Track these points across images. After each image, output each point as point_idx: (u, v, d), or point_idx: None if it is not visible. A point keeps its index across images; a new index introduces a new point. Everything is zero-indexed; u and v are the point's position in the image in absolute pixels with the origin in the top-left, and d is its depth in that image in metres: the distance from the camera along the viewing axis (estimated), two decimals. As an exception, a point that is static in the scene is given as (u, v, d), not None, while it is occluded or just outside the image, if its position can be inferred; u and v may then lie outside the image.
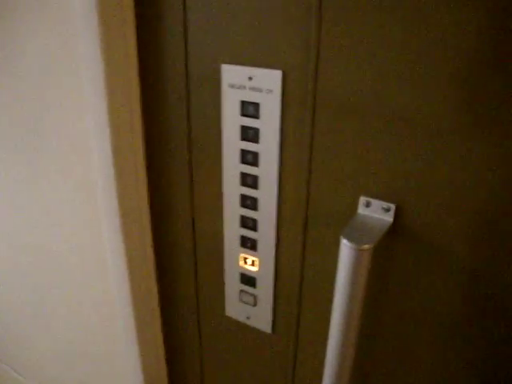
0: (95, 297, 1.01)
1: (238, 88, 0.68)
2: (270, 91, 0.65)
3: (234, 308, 0.86)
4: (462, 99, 0.53)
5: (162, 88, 0.75)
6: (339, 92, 0.61)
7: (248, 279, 0.81)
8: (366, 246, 0.58)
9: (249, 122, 0.69)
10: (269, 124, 0.67)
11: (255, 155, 0.71)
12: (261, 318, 0.83)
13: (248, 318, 0.85)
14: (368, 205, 0.65)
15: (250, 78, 0.66)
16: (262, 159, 0.70)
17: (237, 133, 0.71)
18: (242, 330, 0.88)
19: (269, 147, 0.69)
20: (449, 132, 0.56)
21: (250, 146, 0.70)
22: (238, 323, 0.87)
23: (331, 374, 0.68)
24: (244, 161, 0.72)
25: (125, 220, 0.82)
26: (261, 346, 0.87)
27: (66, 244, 1.00)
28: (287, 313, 0.80)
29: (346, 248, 0.59)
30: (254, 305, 0.82)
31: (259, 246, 0.77)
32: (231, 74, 0.67)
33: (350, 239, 0.59)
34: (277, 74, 0.64)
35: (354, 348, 0.67)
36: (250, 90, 0.67)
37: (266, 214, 0.73)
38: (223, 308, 0.88)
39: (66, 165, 0.89)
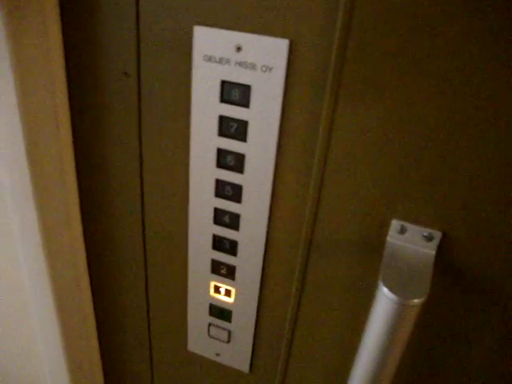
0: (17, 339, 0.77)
1: (219, 62, 0.46)
2: (269, 69, 0.45)
3: (200, 343, 0.67)
4: None
5: (99, 62, 0.52)
6: (378, 69, 0.41)
7: (220, 311, 0.62)
8: (418, 301, 0.41)
9: (232, 111, 0.48)
10: (263, 115, 0.47)
11: (239, 158, 0.50)
12: (236, 355, 0.65)
13: (218, 354, 0.67)
14: (403, 231, 0.47)
15: (239, 49, 0.45)
16: (248, 163, 0.50)
17: (213, 126, 0.50)
18: (209, 368, 0.69)
19: (260, 148, 0.49)
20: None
21: (231, 145, 0.50)
22: (203, 360, 0.68)
23: None
24: (222, 164, 0.51)
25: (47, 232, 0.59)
26: (234, 387, 0.69)
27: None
28: (272, 353, 0.62)
29: (388, 302, 0.41)
30: (228, 341, 0.64)
31: (238, 273, 0.57)
32: (209, 42, 0.46)
33: (393, 289, 0.41)
34: (281, 45, 0.43)
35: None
36: (237, 66, 0.46)
37: (251, 235, 0.54)
38: (185, 342, 0.68)
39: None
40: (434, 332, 0.52)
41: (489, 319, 0.49)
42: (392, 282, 0.42)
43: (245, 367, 0.66)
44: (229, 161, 0.51)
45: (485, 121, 0.40)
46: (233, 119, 0.48)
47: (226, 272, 0.58)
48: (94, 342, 0.76)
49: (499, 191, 0.42)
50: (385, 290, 0.41)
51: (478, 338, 0.50)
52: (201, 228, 0.56)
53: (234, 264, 0.57)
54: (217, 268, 0.58)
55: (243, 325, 0.62)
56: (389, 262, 0.45)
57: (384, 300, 0.42)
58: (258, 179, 0.50)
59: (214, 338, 0.64)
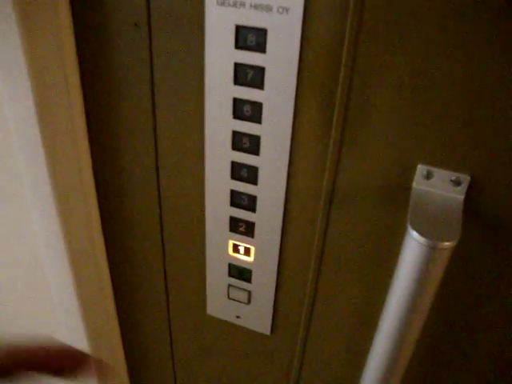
0: (34, 305, 0.77)
1: (233, 6, 0.44)
2: (286, 10, 0.42)
3: (220, 306, 0.66)
4: None
5: (107, 16, 0.50)
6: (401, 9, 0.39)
7: (240, 272, 0.61)
8: (449, 244, 0.39)
9: (248, 58, 0.46)
10: (280, 60, 0.45)
11: (256, 106, 0.48)
12: (256, 317, 0.64)
13: (238, 317, 0.66)
14: (429, 176, 0.45)
15: (253, -11, 0.43)
16: (266, 112, 0.48)
17: (229, 74, 0.48)
18: (230, 331, 0.68)
19: (279, 94, 0.47)
20: None
21: (247, 94, 0.48)
22: (223, 324, 0.67)
23: None
24: (238, 115, 0.50)
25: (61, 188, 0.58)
26: (256, 349, 0.68)
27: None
28: (293, 311, 0.61)
29: (418, 246, 0.40)
30: (248, 302, 0.63)
31: (257, 230, 0.56)
32: (222, -17, 0.44)
33: (424, 232, 0.40)
34: (299, -19, 0.41)
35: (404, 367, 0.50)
36: (252, 9, 0.44)
37: (270, 189, 0.52)
38: (204, 306, 0.67)
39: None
40: (463, 280, 0.50)
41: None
42: (421, 225, 0.41)
43: (266, 329, 0.65)
44: (245, 110, 0.49)
45: (518, 50, 0.37)
46: (249, 66, 0.46)
47: (245, 229, 0.57)
48: (112, 307, 0.75)
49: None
50: (414, 234, 0.40)
51: (508, 287, 0.49)
52: (218, 184, 0.55)
53: (253, 220, 0.55)
54: (235, 225, 0.57)
55: (263, 285, 0.60)
56: (416, 207, 0.44)
57: (414, 245, 0.40)
58: (276, 128, 0.48)
59: (233, 299, 0.63)
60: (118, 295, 0.74)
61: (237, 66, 0.47)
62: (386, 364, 0.49)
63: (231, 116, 0.50)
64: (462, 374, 0.58)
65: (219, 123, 0.50)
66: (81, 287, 0.66)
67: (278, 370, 0.69)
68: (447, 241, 0.39)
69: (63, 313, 0.69)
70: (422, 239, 0.39)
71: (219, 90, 0.49)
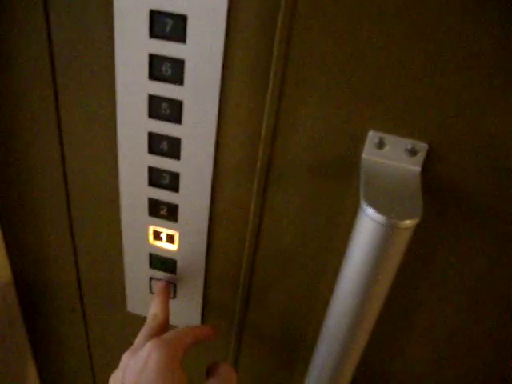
0: None
1: None
2: None
3: (141, 302, 0.57)
4: None
5: None
6: None
7: (162, 262, 0.52)
8: (410, 222, 0.33)
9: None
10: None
11: (178, 64, 0.40)
12: (184, 313, 0.56)
13: (163, 313, 0.57)
14: (381, 145, 0.39)
15: None
16: (189, 70, 0.39)
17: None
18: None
19: (204, 52, 0.38)
20: None
21: (167, 50, 0.39)
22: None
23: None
24: (156, 76, 0.41)
25: None
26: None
27: None
28: (225, 306, 0.54)
29: (374, 225, 0.33)
30: (174, 297, 0.54)
31: (181, 213, 0.48)
32: None
33: (380, 209, 0.33)
34: None
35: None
36: None
37: (195, 164, 0.44)
38: (123, 302, 0.58)
39: None
40: (422, 257, 0.44)
41: (480, 241, 0.42)
42: (377, 202, 0.34)
43: (196, 323, 0.57)
44: (165, 70, 0.40)
45: None
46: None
47: (167, 213, 0.48)
48: (17, 310, 0.64)
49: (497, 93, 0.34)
50: (370, 211, 0.33)
51: (469, 262, 0.43)
52: (133, 160, 0.46)
53: (176, 202, 0.47)
54: (155, 209, 0.48)
55: (191, 276, 0.52)
56: (369, 181, 0.37)
57: (369, 224, 0.33)
58: (200, 90, 0.40)
59: (157, 294, 0.55)
60: (23, 300, 0.64)
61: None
62: (333, 363, 0.42)
63: (147, 77, 0.41)
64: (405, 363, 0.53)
65: (134, 86, 0.41)
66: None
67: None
68: (408, 218, 0.33)
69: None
70: (379, 217, 0.33)
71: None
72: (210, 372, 0.39)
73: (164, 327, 0.44)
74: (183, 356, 0.39)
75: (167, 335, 0.40)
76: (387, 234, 0.33)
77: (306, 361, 0.56)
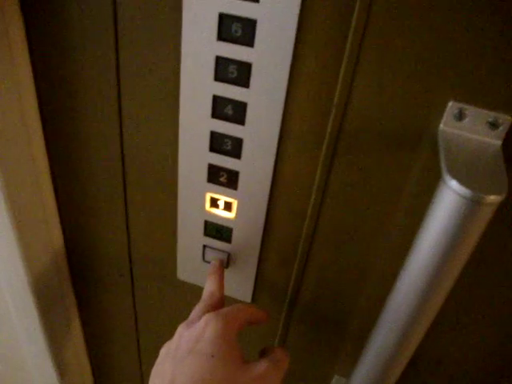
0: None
1: None
2: None
3: (193, 270, 0.57)
4: None
5: None
6: None
7: (218, 230, 0.51)
8: (496, 198, 0.31)
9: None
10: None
11: (249, 24, 0.38)
12: (236, 283, 0.55)
13: (214, 282, 0.56)
14: (461, 116, 0.36)
15: None
16: (260, 34, 0.38)
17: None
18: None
19: (278, 17, 0.36)
20: None
21: (241, 10, 0.37)
22: (197, 290, 0.58)
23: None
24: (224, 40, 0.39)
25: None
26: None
27: None
28: (280, 278, 0.53)
29: (457, 199, 0.31)
30: (227, 267, 0.54)
31: (242, 181, 0.46)
32: None
33: (465, 182, 0.31)
34: None
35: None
36: None
37: (261, 130, 0.43)
38: (173, 269, 0.58)
39: None
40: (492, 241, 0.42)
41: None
42: (461, 175, 0.32)
43: (247, 296, 0.56)
44: (235, 30, 0.39)
45: None
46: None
47: (227, 180, 0.47)
48: (68, 285, 0.65)
49: None
50: (454, 183, 0.31)
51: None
52: (195, 123, 0.44)
53: (238, 169, 0.46)
54: (215, 175, 0.47)
55: (246, 246, 0.51)
56: (449, 153, 0.35)
57: (452, 198, 0.31)
58: (271, 54, 0.38)
59: (209, 263, 0.54)
60: (73, 264, 0.64)
61: None
62: (396, 340, 0.41)
63: (215, 38, 0.39)
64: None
65: (200, 47, 0.40)
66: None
67: (258, 344, 0.60)
68: (494, 194, 0.31)
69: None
70: (463, 190, 0.31)
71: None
72: (264, 353, 0.40)
73: (220, 305, 0.44)
74: (238, 331, 0.39)
75: (224, 310, 0.40)
76: (471, 210, 0.31)
77: (353, 341, 0.55)
